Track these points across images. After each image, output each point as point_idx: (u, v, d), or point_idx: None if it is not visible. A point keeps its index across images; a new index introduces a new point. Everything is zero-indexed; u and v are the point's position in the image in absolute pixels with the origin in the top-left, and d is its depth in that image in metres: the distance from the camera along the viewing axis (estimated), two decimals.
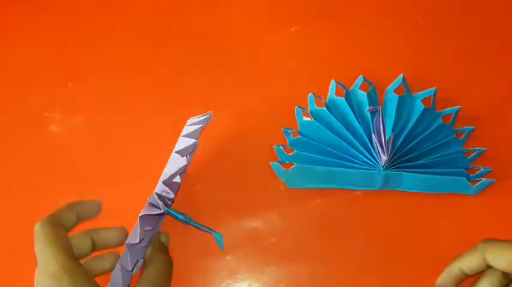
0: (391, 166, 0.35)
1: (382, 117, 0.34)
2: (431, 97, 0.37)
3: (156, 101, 0.40)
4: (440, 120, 0.37)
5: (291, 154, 0.36)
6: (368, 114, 0.36)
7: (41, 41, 0.44)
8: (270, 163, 0.36)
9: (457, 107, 0.37)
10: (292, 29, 0.42)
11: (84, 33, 0.43)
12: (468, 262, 0.31)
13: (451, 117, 0.37)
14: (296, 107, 0.38)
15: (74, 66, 0.42)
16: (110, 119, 0.40)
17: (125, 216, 0.37)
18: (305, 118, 0.38)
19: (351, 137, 0.36)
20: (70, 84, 0.41)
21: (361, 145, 0.36)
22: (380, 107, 0.34)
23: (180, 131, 0.35)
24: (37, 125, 0.41)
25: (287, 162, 0.36)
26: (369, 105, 0.37)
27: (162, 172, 0.34)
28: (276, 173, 0.36)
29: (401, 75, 0.38)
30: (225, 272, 0.35)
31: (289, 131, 0.37)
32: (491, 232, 0.32)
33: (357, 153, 0.35)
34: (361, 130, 0.36)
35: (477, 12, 0.42)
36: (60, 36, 0.44)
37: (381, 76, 0.40)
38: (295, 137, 0.37)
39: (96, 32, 0.43)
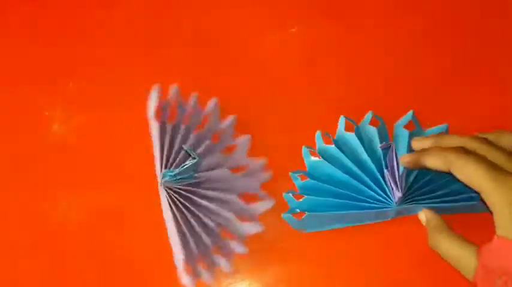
0: (405, 201, 0.33)
1: (395, 153, 0.32)
2: (443, 133, 0.36)
3: None
4: None
5: (301, 200, 0.34)
6: (379, 150, 0.35)
7: (40, 40, 0.43)
8: (282, 214, 0.35)
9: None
10: (293, 29, 0.42)
11: (84, 32, 0.43)
12: (434, 163, 0.31)
13: None
14: (303, 147, 0.37)
15: (75, 65, 0.42)
16: (110, 118, 0.40)
17: (126, 215, 0.37)
18: (313, 158, 0.37)
19: (362, 175, 0.34)
20: (71, 84, 0.41)
21: (373, 182, 0.34)
22: (393, 143, 0.33)
23: None
24: (38, 124, 0.40)
25: (298, 211, 0.35)
26: (380, 141, 0.35)
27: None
28: (288, 223, 0.35)
29: (411, 112, 0.36)
30: (225, 272, 0.35)
31: (296, 174, 0.36)
32: None
33: (369, 191, 0.34)
34: (372, 167, 0.34)
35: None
36: (60, 36, 0.43)
37: (384, 80, 0.40)
38: (304, 181, 0.35)
39: (97, 31, 0.43)
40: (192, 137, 0.35)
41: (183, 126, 0.36)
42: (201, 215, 0.34)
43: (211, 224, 0.34)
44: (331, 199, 0.34)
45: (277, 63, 0.41)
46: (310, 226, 0.36)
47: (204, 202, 0.34)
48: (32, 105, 0.41)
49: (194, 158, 0.32)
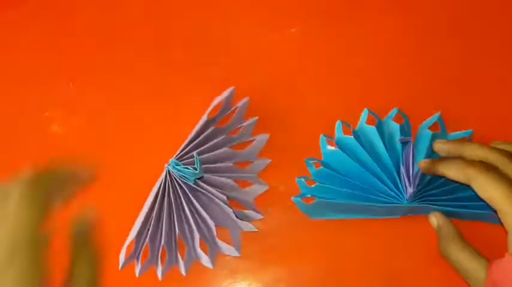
0: (416, 199, 0.33)
1: (412, 149, 0.33)
2: (467, 139, 0.36)
3: (156, 101, 0.40)
4: None
5: (313, 185, 0.35)
6: (398, 146, 0.35)
7: (41, 41, 0.44)
8: (292, 198, 0.35)
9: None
10: (293, 29, 0.42)
11: (84, 33, 0.43)
12: (454, 175, 0.30)
13: None
14: (321, 135, 0.37)
15: (75, 66, 0.42)
16: (110, 119, 0.40)
17: (125, 216, 0.37)
18: (329, 147, 0.37)
19: (377, 169, 0.34)
20: (71, 84, 0.42)
21: (388, 177, 0.34)
22: (411, 139, 0.33)
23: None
24: (38, 125, 0.41)
25: (309, 195, 0.35)
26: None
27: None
28: (297, 206, 0.36)
29: (438, 113, 0.36)
30: (225, 272, 0.35)
31: (311, 161, 0.36)
32: None
33: (382, 185, 0.34)
34: (389, 162, 0.34)
35: None
36: (60, 36, 0.44)
37: (381, 82, 0.40)
38: (318, 168, 0.35)
39: (97, 31, 0.43)
40: (220, 151, 0.36)
41: (224, 136, 0.36)
42: (179, 212, 0.35)
43: (188, 225, 0.35)
44: (342, 188, 0.34)
45: (277, 63, 0.41)
46: (318, 212, 0.35)
47: (193, 204, 0.34)
48: (32, 105, 0.41)
49: (195, 169, 0.32)
